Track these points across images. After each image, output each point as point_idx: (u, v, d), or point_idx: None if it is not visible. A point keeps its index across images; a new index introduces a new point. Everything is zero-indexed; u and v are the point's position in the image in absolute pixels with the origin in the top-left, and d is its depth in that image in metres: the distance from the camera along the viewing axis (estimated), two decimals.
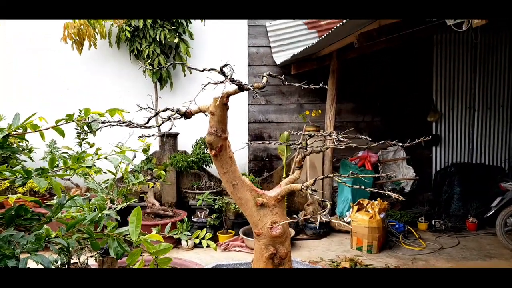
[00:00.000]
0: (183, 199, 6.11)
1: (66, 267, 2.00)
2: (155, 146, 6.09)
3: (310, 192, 1.71)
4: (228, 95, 1.77)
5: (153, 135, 1.86)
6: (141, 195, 5.66)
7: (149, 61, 5.64)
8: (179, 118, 2.02)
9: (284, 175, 6.04)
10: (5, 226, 1.79)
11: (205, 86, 1.58)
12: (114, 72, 6.31)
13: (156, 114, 1.83)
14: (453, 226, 5.97)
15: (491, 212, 5.22)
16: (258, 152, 6.87)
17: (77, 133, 3.35)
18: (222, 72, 1.63)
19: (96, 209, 2.19)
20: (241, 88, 1.72)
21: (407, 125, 6.63)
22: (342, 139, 2.06)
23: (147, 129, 1.81)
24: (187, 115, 1.91)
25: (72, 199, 2.17)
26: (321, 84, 1.88)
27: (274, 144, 6.37)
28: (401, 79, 6.89)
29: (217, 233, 5.54)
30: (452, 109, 7.05)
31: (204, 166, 5.90)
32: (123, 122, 1.73)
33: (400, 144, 2.20)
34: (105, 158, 2.10)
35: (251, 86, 1.68)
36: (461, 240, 5.56)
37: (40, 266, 1.50)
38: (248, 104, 6.77)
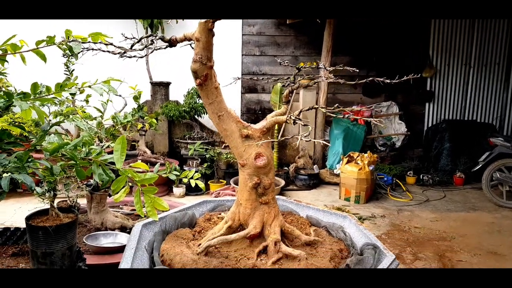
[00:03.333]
0: (175, 149, 6.13)
1: (52, 197, 2.02)
2: (146, 95, 6.02)
3: (293, 121, 1.70)
4: (214, 20, 1.72)
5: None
6: (132, 143, 5.66)
7: None
8: (165, 48, 1.96)
9: (276, 127, 6.04)
10: None
11: None
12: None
13: (140, 39, 1.78)
14: (441, 180, 6.07)
15: (478, 167, 5.30)
16: (251, 104, 6.84)
17: (65, 62, 3.29)
18: None
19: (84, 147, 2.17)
20: None
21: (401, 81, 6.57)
22: (333, 77, 2.03)
23: (126, 56, 1.76)
24: (171, 42, 1.86)
25: (59, 136, 2.15)
26: (318, 21, 1.81)
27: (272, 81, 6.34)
28: (398, 34, 6.76)
29: (209, 182, 5.60)
30: (448, 65, 6.98)
31: (196, 116, 5.87)
32: (106, 45, 1.67)
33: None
34: (89, 86, 2.06)
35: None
36: (447, 194, 5.68)
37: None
38: (242, 55, 6.65)
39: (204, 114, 5.81)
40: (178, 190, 5.28)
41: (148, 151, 5.46)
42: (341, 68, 2.00)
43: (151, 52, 1.73)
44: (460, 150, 6.28)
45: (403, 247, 3.87)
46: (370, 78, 2.17)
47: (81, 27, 5.87)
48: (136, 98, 4.41)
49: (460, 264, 3.54)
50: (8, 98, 1.76)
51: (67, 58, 3.86)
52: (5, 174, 1.59)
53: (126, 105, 5.02)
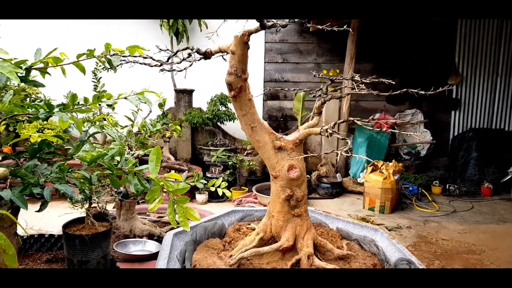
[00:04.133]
0: (198, 155, 6.17)
1: (88, 205, 2.06)
2: (170, 102, 6.09)
3: (329, 134, 1.69)
4: (250, 33, 1.73)
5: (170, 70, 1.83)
6: None
7: None
8: (199, 60, 1.99)
9: None
10: (29, 160, 1.83)
11: (225, 20, 1.54)
12: (132, 26, 6.23)
13: (176, 52, 1.81)
14: (468, 191, 5.93)
15: (508, 177, 5.16)
16: (273, 112, 6.84)
17: (93, 70, 3.35)
18: None
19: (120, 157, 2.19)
20: (262, 25, 1.67)
21: (427, 88, 6.47)
22: (362, 86, 2.01)
23: (161, 71, 1.78)
24: (207, 54, 1.88)
25: (90, 144, 2.19)
26: (344, 27, 1.80)
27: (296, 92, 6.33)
28: (423, 40, 6.67)
29: (231, 189, 5.61)
30: (474, 73, 6.83)
31: (218, 123, 5.91)
32: (145, 58, 1.70)
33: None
34: (125, 98, 2.11)
35: (274, 23, 1.63)
36: (475, 205, 5.54)
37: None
38: (265, 62, 6.67)
39: (227, 121, 5.84)
40: (200, 197, 5.31)
41: (172, 158, 5.52)
42: (377, 81, 1.98)
43: (190, 65, 1.75)
44: (487, 159, 6.13)
45: (431, 260, 3.78)
46: (404, 90, 2.14)
47: (113, 35, 5.99)
48: (161, 105, 4.47)
49: None
50: (49, 109, 1.81)
51: (95, 67, 3.95)
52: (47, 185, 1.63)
53: (151, 112, 5.08)
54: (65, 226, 1.95)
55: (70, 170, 1.72)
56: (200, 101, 6.14)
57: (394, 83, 1.96)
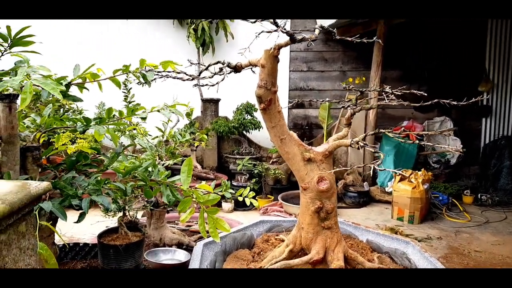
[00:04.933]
0: (224, 163, 6.23)
1: (122, 215, 2.11)
2: (197, 111, 6.18)
3: (359, 146, 1.68)
4: (280, 47, 1.75)
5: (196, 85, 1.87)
6: (184, 158, 5.81)
7: (193, 26, 5.65)
8: (229, 73, 2.02)
9: (324, 142, 5.99)
10: (67, 171, 1.91)
11: (259, 34, 1.56)
12: (159, 38, 6.38)
13: (208, 67, 1.85)
14: (501, 200, 5.73)
15: None
16: (298, 120, 6.83)
17: (124, 81, 3.45)
18: (275, 23, 1.61)
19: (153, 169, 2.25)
20: (293, 39, 1.69)
21: (456, 95, 6.32)
22: (392, 97, 1.99)
23: (192, 84, 1.83)
24: (237, 68, 1.91)
25: (124, 155, 2.25)
26: (374, 38, 1.80)
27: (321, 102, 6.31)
28: (451, 47, 6.54)
29: (256, 198, 5.61)
30: (506, 79, 6.63)
31: (244, 132, 5.95)
32: (178, 73, 1.75)
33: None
34: (158, 111, 2.16)
35: (304, 37, 1.64)
36: (508, 215, 5.34)
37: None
38: (290, 71, 6.69)
39: (252, 130, 5.87)
40: (227, 205, 5.34)
41: (199, 166, 5.59)
42: (407, 92, 1.96)
43: (222, 79, 1.79)
44: None
45: None
46: (435, 100, 2.11)
47: (142, 47, 6.10)
48: (188, 115, 4.55)
49: None
50: (87, 122, 1.88)
51: (126, 78, 4.07)
52: (84, 197, 1.69)
53: (178, 121, 5.19)
54: (100, 236, 2.00)
55: (106, 182, 1.78)
56: (226, 110, 6.21)
57: (425, 94, 1.94)
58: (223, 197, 5.92)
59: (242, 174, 5.73)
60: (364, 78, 6.27)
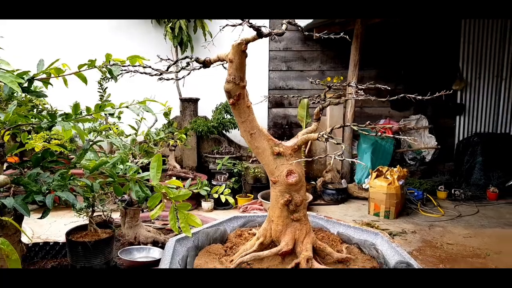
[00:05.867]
0: (203, 163, 6.22)
1: (91, 212, 2.10)
2: (176, 111, 6.16)
3: (324, 139, 1.71)
4: (247, 41, 1.77)
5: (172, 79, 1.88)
6: (162, 158, 5.78)
7: (170, 24, 5.63)
8: (198, 69, 2.04)
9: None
10: (32, 168, 1.88)
11: (223, 28, 1.58)
12: (137, 36, 6.34)
13: (176, 62, 1.86)
14: (473, 195, 5.89)
15: None
16: (277, 119, 6.87)
17: (99, 80, 3.43)
18: (249, 23, 1.64)
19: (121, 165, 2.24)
20: (259, 34, 1.72)
21: (431, 93, 6.47)
22: (361, 92, 2.04)
23: (162, 78, 1.83)
24: (206, 63, 1.92)
25: (95, 153, 2.24)
26: (341, 34, 1.84)
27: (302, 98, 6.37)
28: (427, 46, 6.69)
29: (236, 197, 5.64)
30: (479, 77, 6.83)
31: (224, 131, 5.96)
32: (144, 67, 1.76)
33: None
34: (127, 107, 2.16)
35: (270, 32, 1.67)
36: (480, 209, 5.50)
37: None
38: (269, 71, 6.73)
39: (232, 129, 5.89)
40: (206, 204, 5.34)
41: (178, 166, 5.57)
42: (373, 86, 2.01)
43: (188, 74, 1.80)
44: (493, 164, 6.09)
45: (435, 264, 3.77)
46: (402, 95, 2.17)
47: (115, 46, 6.07)
48: (166, 115, 4.52)
49: None
50: (52, 118, 1.87)
51: (101, 77, 4.03)
52: (48, 193, 1.67)
53: (156, 121, 5.15)
54: (69, 233, 1.99)
55: (72, 178, 1.77)
56: (206, 110, 6.20)
57: (389, 88, 1.99)
58: (202, 196, 5.89)
59: (221, 174, 5.73)
60: (342, 78, 6.36)
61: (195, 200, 5.55)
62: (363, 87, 2.00)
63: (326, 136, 1.65)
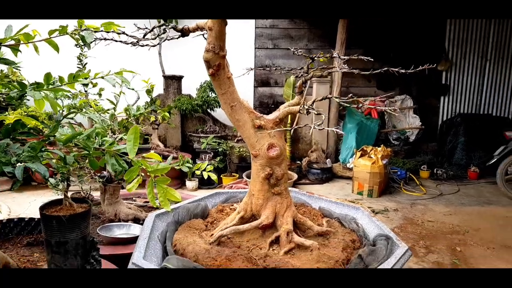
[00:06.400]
0: (188, 142, 6.15)
1: (66, 187, 2.04)
2: (159, 88, 6.04)
3: (306, 111, 1.68)
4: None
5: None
6: (145, 136, 5.69)
7: None
8: (177, 38, 1.96)
9: (289, 120, 6.01)
10: (2, 139, 1.80)
11: None
12: None
13: (153, 29, 1.78)
14: (455, 174, 5.99)
15: (493, 161, 5.21)
16: (264, 98, 6.81)
17: (78, 56, 3.32)
18: None
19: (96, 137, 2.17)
20: None
21: (416, 74, 6.46)
22: (342, 65, 2.00)
23: (140, 46, 1.76)
24: (184, 31, 1.85)
25: (72, 128, 2.16)
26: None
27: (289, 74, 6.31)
28: (413, 27, 6.65)
29: (221, 176, 5.61)
30: (464, 58, 6.85)
31: (208, 110, 5.88)
32: (118, 34, 1.68)
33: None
34: (102, 77, 2.07)
35: None
36: (461, 188, 5.59)
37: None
38: (255, 48, 6.63)
39: (217, 107, 5.81)
40: (191, 184, 5.30)
41: (161, 145, 5.50)
42: (356, 58, 1.97)
43: (163, 40, 1.73)
44: (475, 144, 6.18)
45: (416, 240, 3.82)
46: (385, 68, 2.14)
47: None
48: (149, 92, 4.43)
49: (473, 258, 3.49)
50: (22, 88, 1.78)
51: (80, 52, 3.91)
52: (18, 164, 1.61)
53: (139, 98, 5.05)
54: (43, 208, 1.93)
55: (43, 150, 1.70)
56: (190, 88, 6.10)
57: (372, 59, 1.95)
58: (187, 176, 5.81)
59: (206, 153, 5.68)
60: (329, 56, 6.30)
61: (180, 179, 5.50)
62: (346, 58, 1.96)
63: (307, 107, 1.62)
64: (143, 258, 1.75)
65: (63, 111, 2.02)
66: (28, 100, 1.70)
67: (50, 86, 1.90)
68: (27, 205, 4.47)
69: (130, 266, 1.71)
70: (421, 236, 3.92)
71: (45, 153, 1.69)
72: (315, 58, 2.07)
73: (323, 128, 1.49)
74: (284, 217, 1.94)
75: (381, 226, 2.02)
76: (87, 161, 2.04)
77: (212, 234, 1.99)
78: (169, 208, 1.87)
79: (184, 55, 6.23)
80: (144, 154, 1.97)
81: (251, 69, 2.33)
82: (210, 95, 5.76)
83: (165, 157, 5.66)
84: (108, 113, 3.16)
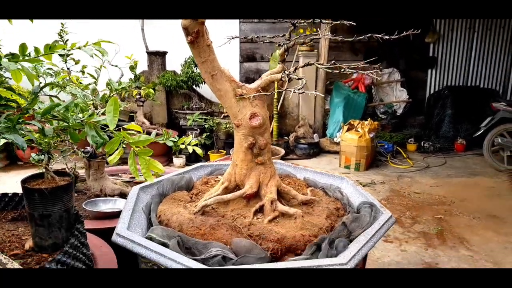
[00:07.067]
0: (174, 120, 6.10)
1: (47, 160, 2.00)
2: (143, 65, 5.93)
3: (287, 78, 1.66)
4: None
5: None
6: (130, 114, 5.62)
7: None
8: None
9: (275, 96, 5.98)
10: None
11: None
12: None
13: None
14: (442, 147, 6.06)
15: (480, 132, 5.27)
16: (250, 74, 6.75)
17: (59, 32, 3.23)
18: None
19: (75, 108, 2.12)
20: None
21: (404, 46, 6.44)
22: (327, 35, 1.97)
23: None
24: None
25: (52, 101, 2.10)
26: None
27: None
28: None
29: (209, 153, 5.59)
30: (452, 30, 6.82)
31: (194, 86, 5.81)
32: None
33: None
34: (79, 48, 2.01)
35: None
36: (448, 160, 5.67)
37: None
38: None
39: (202, 83, 5.74)
40: (178, 161, 5.28)
41: (147, 122, 5.44)
42: (339, 23, 1.94)
43: None
44: (462, 116, 6.23)
45: (402, 211, 3.89)
46: (369, 35, 2.12)
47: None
48: (132, 68, 4.32)
49: (459, 228, 3.56)
50: None
51: (61, 28, 3.79)
52: None
53: (122, 75, 4.94)
54: (24, 181, 1.90)
55: (21, 121, 1.66)
56: (174, 64, 6.00)
57: (354, 24, 1.93)
58: (174, 153, 5.78)
59: (193, 130, 5.65)
60: (315, 29, 6.22)
61: (167, 156, 5.47)
62: (329, 22, 1.93)
63: (289, 74, 1.59)
64: (127, 229, 1.75)
65: (40, 83, 1.96)
66: (5, 73, 1.66)
67: (26, 58, 1.84)
68: (13, 184, 4.42)
69: (113, 236, 1.71)
70: (407, 207, 3.99)
71: (23, 124, 1.65)
72: (297, 25, 2.03)
73: (303, 92, 1.47)
74: (268, 187, 1.94)
75: (366, 194, 2.03)
76: (67, 133, 2.00)
77: (197, 205, 1.98)
78: (153, 180, 1.86)
79: (167, 30, 6.10)
80: (124, 126, 1.94)
81: (233, 38, 2.29)
82: (195, 71, 5.67)
83: (150, 134, 5.60)
84: (89, 88, 3.10)
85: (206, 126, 5.54)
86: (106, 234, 2.27)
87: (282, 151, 5.50)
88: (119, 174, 3.55)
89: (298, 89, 1.42)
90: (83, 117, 1.93)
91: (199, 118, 5.57)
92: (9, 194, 2.35)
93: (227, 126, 5.65)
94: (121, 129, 1.95)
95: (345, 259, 1.48)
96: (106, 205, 2.73)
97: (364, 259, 1.98)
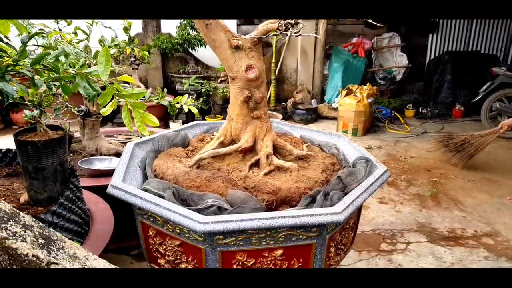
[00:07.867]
0: (170, 84, 6.02)
1: (39, 113, 1.97)
2: (137, 27, 5.79)
3: (284, 28, 1.60)
4: None
5: None
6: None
7: None
8: None
9: (273, 60, 5.88)
10: None
11: None
12: None
13: None
14: (440, 113, 6.04)
15: (479, 97, 5.23)
16: None
17: None
18: None
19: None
20: None
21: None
22: None
23: None
24: None
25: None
26: None
27: None
28: None
29: (206, 117, 5.56)
30: None
31: (190, 49, 5.69)
32: None
33: None
34: None
35: None
36: (445, 126, 5.66)
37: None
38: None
39: (198, 46, 5.63)
40: (174, 125, 5.24)
41: (142, 86, 5.36)
42: None
43: None
44: (461, 82, 6.17)
45: (398, 174, 3.91)
46: None
47: None
48: (126, 30, 4.22)
49: (454, 190, 3.59)
50: None
51: None
52: None
53: (116, 37, 4.84)
54: (17, 135, 1.87)
55: (10, 69, 1.62)
56: (169, 27, 5.86)
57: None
58: (171, 117, 5.73)
59: (189, 94, 5.56)
60: None
61: (163, 121, 5.43)
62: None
63: (287, 23, 1.54)
64: (122, 181, 1.74)
65: (29, 32, 1.90)
66: None
67: None
68: (8, 147, 4.39)
69: (109, 188, 1.70)
70: (403, 171, 4.01)
71: (11, 70, 1.61)
72: None
73: (300, 34, 1.42)
74: (264, 141, 1.92)
75: (361, 150, 2.02)
76: (59, 85, 1.96)
77: (193, 159, 1.97)
78: (147, 133, 1.83)
79: None
80: (117, 77, 1.90)
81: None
82: (191, 33, 5.54)
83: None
84: (81, 45, 3.02)
85: (203, 90, 5.47)
86: (102, 192, 2.27)
87: (280, 117, 5.46)
88: (115, 136, 3.53)
89: (295, 33, 1.38)
90: (74, 67, 1.89)
91: (196, 82, 5.49)
92: (3, 150, 2.33)
93: (224, 90, 5.58)
94: (114, 82, 1.91)
95: (339, 208, 1.48)
96: (101, 164, 2.72)
97: (359, 212, 2.00)
